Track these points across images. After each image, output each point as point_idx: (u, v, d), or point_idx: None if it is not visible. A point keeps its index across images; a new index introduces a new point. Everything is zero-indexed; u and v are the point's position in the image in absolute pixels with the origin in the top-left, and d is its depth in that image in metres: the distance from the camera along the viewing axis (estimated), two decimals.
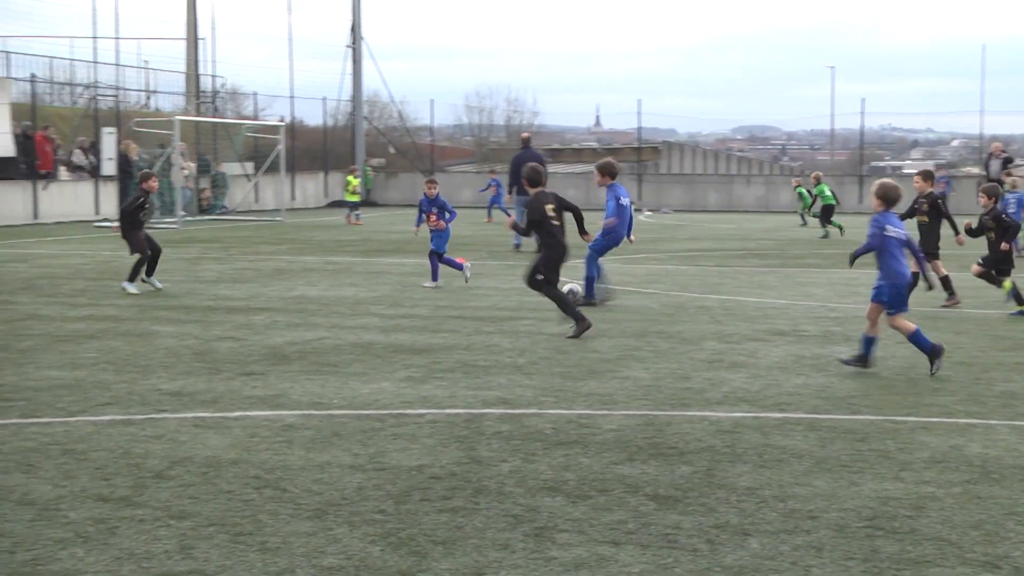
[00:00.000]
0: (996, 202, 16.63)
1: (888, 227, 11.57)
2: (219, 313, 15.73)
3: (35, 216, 36.11)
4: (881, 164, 75.39)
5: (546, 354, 12.63)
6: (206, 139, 46.34)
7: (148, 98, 49.37)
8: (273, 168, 43.87)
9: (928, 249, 16.39)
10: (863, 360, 11.67)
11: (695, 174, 62.39)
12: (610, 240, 16.66)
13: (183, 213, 37.37)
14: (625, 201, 16.79)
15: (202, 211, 42.43)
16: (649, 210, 48.53)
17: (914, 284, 12.52)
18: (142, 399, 10.18)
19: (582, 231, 15.06)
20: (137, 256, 17.95)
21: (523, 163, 19.29)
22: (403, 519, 6.90)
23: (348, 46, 53.36)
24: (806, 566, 6.16)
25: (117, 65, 42.32)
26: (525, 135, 31.74)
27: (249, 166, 46.69)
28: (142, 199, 18.38)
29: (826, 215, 33.70)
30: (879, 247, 11.57)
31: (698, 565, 6.18)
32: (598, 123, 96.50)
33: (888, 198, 11.71)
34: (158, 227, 34.65)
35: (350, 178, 38.97)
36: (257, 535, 6.58)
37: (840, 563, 6.20)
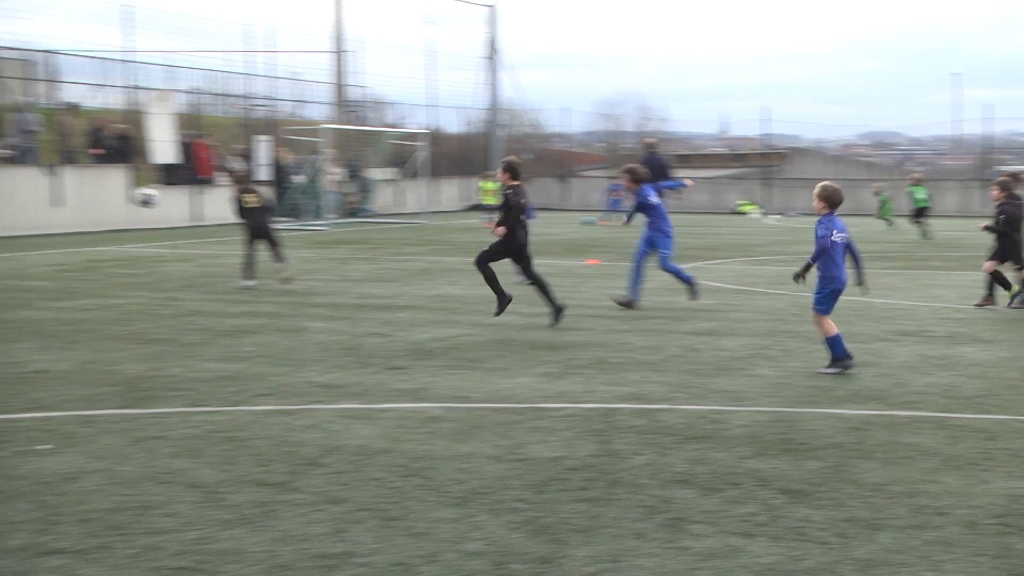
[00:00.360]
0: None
1: (834, 231, 11.18)
2: (366, 311, 15.90)
3: (196, 218, 36.89)
4: (1005, 168, 73.40)
5: (677, 351, 12.54)
6: (352, 146, 46.93)
7: (299, 108, 50.11)
8: (416, 173, 44.27)
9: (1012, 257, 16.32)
10: (841, 362, 11.32)
11: (820, 179, 61.39)
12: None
13: (331, 216, 37.88)
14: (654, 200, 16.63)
15: (349, 214, 42.97)
16: (775, 214, 47.96)
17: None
18: (297, 391, 10.33)
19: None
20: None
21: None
22: (542, 508, 6.90)
23: (486, 57, 53.69)
24: (936, 561, 6.02)
25: (270, 77, 42.98)
26: (649, 140, 31.55)
27: (392, 171, 47.18)
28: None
29: (918, 216, 33.45)
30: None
31: (829, 557, 6.08)
32: (725, 129, 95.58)
33: (831, 200, 11.30)
34: (308, 229, 35.20)
35: (486, 183, 39.14)
36: (405, 520, 6.64)
37: (971, 559, 6.05)
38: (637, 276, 16.44)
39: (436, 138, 50.84)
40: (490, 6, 54.04)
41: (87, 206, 33.17)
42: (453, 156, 53.02)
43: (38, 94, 36.76)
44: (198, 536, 6.31)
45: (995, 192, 16.55)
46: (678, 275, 16.70)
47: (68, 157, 33.49)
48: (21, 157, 32.14)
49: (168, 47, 59.09)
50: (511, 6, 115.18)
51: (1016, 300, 16.17)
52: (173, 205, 36.02)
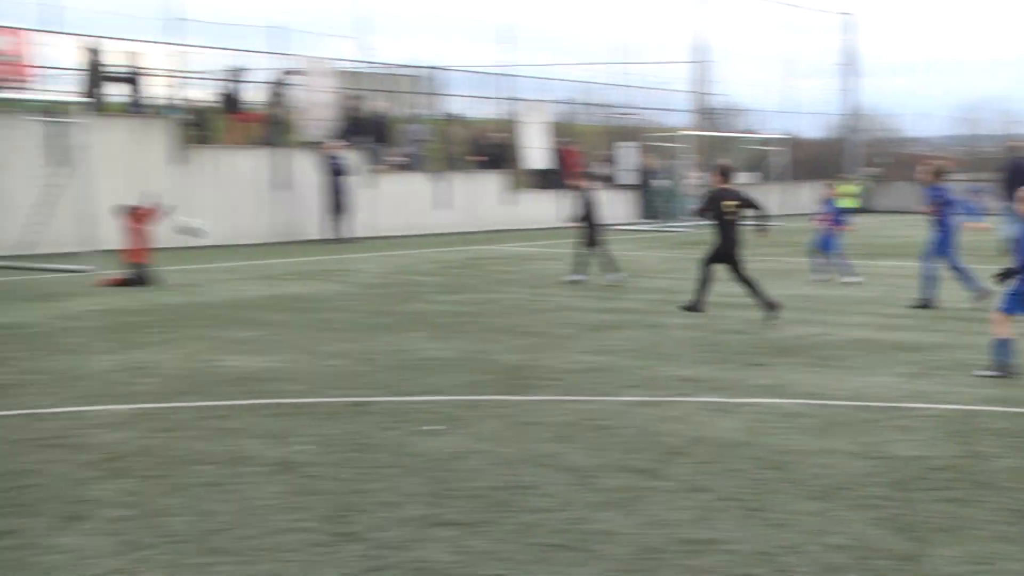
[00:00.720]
0: None
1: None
2: (726, 308, 15.79)
3: (564, 220, 37.69)
4: None
5: None
6: (712, 151, 46.70)
7: (660, 115, 50.35)
8: (775, 177, 43.69)
9: None
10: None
11: None
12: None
13: (692, 218, 37.87)
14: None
15: None
16: None
17: None
18: (662, 383, 10.39)
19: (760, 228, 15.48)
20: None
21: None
22: (904, 506, 6.68)
23: (843, 64, 52.45)
24: None
25: (636, 87, 43.38)
26: (1012, 143, 29.88)
27: (751, 176, 46.71)
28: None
29: None
30: None
31: None
32: None
33: None
34: (669, 231, 35.31)
35: (844, 186, 38.16)
36: (766, 512, 6.57)
37: None
38: (964, 275, 15.98)
39: (794, 143, 50.01)
40: (847, 14, 52.76)
41: (468, 208, 34.47)
42: (811, 161, 51.97)
43: (426, 107, 38.53)
44: (572, 516, 6.45)
45: None
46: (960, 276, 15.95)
47: (452, 164, 34.91)
48: (411, 164, 33.75)
49: (542, 61, 60.66)
50: (869, 14, 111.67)
51: None
52: (544, 207, 36.91)
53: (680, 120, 49.57)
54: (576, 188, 19.40)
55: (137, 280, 17.77)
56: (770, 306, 14.47)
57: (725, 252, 14.82)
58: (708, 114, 49.06)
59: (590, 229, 19.12)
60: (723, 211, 14.67)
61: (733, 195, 14.88)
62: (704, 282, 15.00)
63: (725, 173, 15.82)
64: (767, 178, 45.13)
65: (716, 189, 15.01)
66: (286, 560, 5.69)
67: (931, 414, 9.14)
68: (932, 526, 6.30)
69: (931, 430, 8.58)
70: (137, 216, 18.31)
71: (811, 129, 54.59)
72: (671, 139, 40.98)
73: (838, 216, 20.43)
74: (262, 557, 5.72)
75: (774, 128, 50.43)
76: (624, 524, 6.31)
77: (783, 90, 50.36)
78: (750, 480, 7.21)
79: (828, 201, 20.26)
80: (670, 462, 7.62)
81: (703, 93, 49.21)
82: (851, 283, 18.86)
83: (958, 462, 7.65)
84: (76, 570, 5.52)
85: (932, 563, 5.74)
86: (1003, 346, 10.55)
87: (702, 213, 15.15)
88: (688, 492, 6.93)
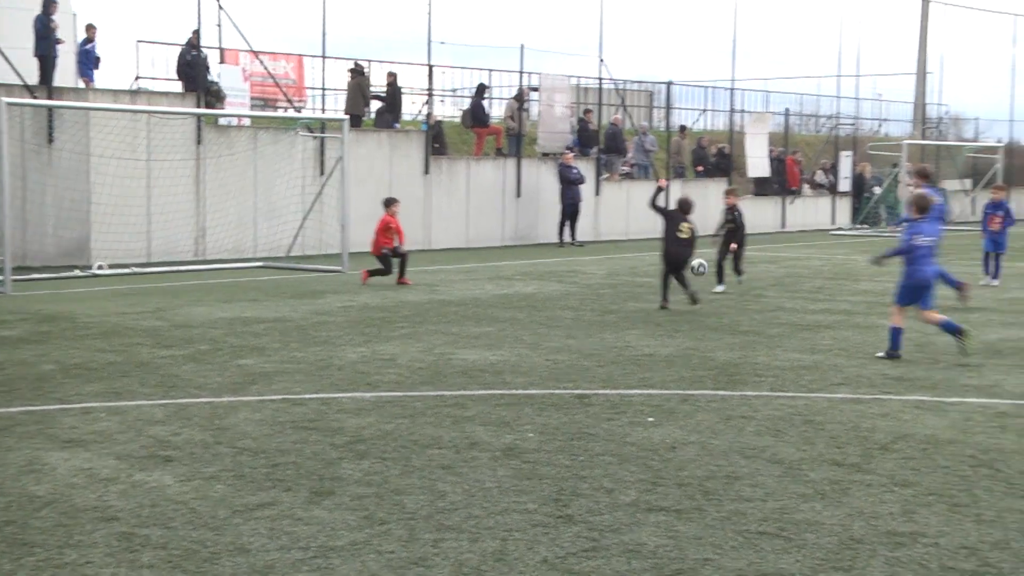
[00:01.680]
0: None
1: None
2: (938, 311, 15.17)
3: (783, 225, 36.94)
4: None
5: None
6: (930, 160, 45.03)
7: (880, 125, 48.81)
8: (990, 184, 41.79)
9: None
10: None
11: None
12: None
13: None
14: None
15: None
16: None
17: None
18: (870, 381, 10.06)
19: None
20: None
21: None
22: None
23: None
24: None
25: (856, 98, 42.16)
26: None
27: (967, 182, 44.90)
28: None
29: None
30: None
31: None
32: None
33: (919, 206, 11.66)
34: (885, 236, 34.16)
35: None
36: (973, 507, 6.28)
37: None
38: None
39: (1012, 150, 47.71)
40: None
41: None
42: None
43: (656, 119, 38.37)
44: (779, 506, 6.30)
45: None
46: None
47: (678, 172, 34.64)
48: (638, 172, 33.65)
49: (766, 74, 59.62)
50: None
51: None
52: (765, 214, 36.27)
53: (901, 129, 47.99)
54: (731, 203, 18.51)
55: (382, 270, 18.25)
56: None
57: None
58: (927, 123, 47.25)
59: (736, 241, 18.23)
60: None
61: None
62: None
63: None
64: (983, 184, 43.16)
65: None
66: (509, 539, 5.74)
67: None
68: None
69: None
70: (389, 213, 18.76)
71: None
72: (890, 148, 39.66)
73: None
74: (488, 535, 5.79)
75: (994, 136, 48.25)
76: (828, 515, 6.13)
77: (1005, 99, 48.06)
78: (957, 476, 6.92)
79: (999, 203, 19.13)
80: (875, 457, 7.37)
81: (923, 104, 47.42)
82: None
83: None
84: (323, 540, 5.71)
85: None
86: (896, 334, 11.31)
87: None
88: (893, 486, 6.69)
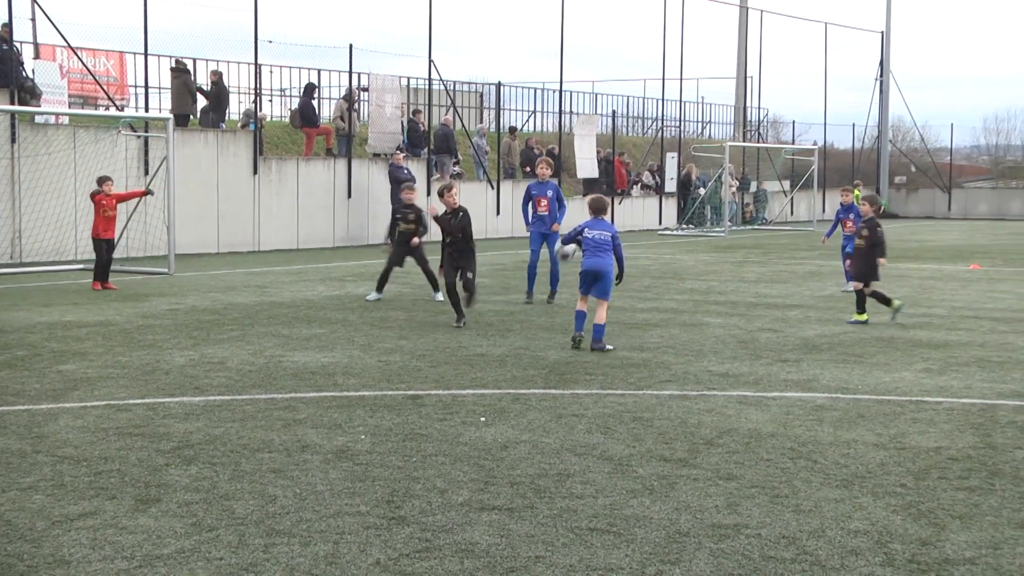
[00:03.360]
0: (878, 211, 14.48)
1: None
2: (760, 308, 15.69)
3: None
4: None
5: None
6: (750, 161, 46.48)
7: (704, 128, 50.13)
8: (807, 185, 43.40)
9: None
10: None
11: None
12: None
13: (730, 223, 37.68)
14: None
15: (745, 222, 42.65)
16: None
17: None
18: (696, 378, 10.32)
19: None
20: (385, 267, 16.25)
21: None
22: (922, 494, 6.58)
23: (876, 79, 52.00)
24: None
25: (680, 101, 43.20)
26: None
27: (786, 183, 46.47)
28: (395, 211, 16.82)
29: None
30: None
31: None
32: None
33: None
34: (709, 236, 35.10)
35: (856, 192, 37.69)
36: (792, 498, 6.49)
37: None
38: None
39: (827, 153, 49.61)
40: (881, 32, 52.24)
41: (519, 214, 34.37)
42: (843, 169, 51.58)
43: (486, 120, 38.59)
44: (609, 502, 6.40)
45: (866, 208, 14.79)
46: None
47: (508, 172, 34.89)
48: (466, 174, 33.80)
49: (594, 76, 60.58)
50: (903, 31, 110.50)
51: None
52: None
53: (723, 132, 49.37)
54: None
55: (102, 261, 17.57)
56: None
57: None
58: (748, 127, 48.72)
59: None
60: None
61: None
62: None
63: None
64: (800, 185, 44.77)
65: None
66: (342, 541, 5.69)
67: (951, 407, 9.02)
68: (949, 513, 6.21)
69: (950, 422, 8.46)
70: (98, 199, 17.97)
71: (846, 140, 54.20)
72: (713, 150, 40.77)
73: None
74: (320, 538, 5.72)
75: (810, 139, 50.05)
76: (656, 509, 6.26)
77: (820, 104, 49.90)
78: (777, 469, 7.14)
79: (850, 206, 19.13)
80: (701, 452, 7.56)
81: (745, 107, 48.87)
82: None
83: (976, 453, 7.53)
84: (149, 548, 5.55)
85: (946, 548, 5.65)
86: (579, 316, 11.99)
87: None
88: (718, 480, 6.86)
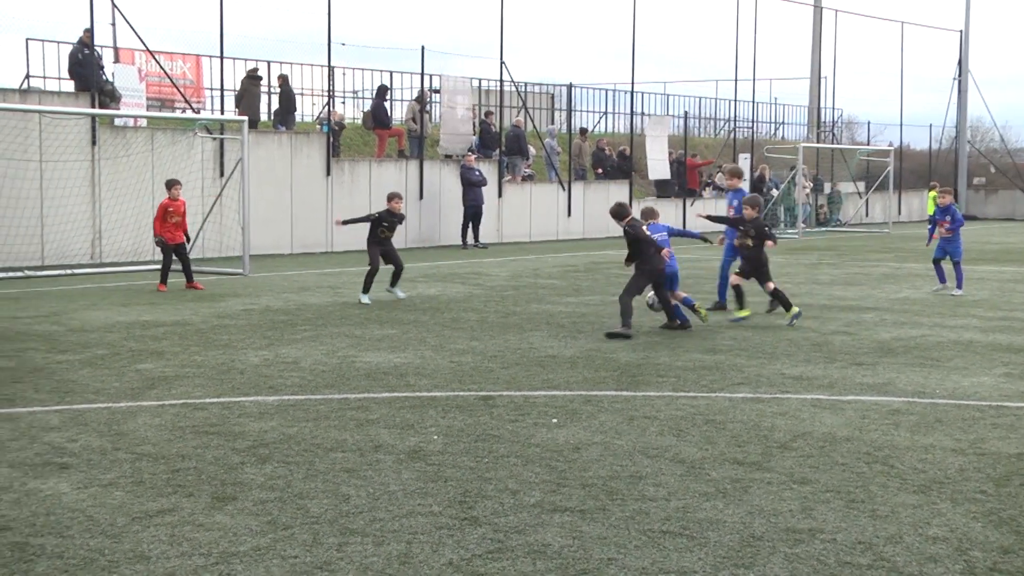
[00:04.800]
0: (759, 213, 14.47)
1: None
2: (834, 311, 15.51)
3: (684, 227, 37.43)
4: None
5: None
6: (824, 163, 45.99)
7: (777, 129, 49.70)
8: (883, 187, 42.82)
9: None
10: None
11: None
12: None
13: (803, 225, 37.29)
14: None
15: (819, 223, 42.21)
16: None
17: None
18: (769, 381, 10.23)
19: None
20: (368, 269, 16.31)
21: None
22: (1003, 501, 6.46)
23: (955, 78, 51.18)
24: None
25: (753, 102, 42.86)
26: None
27: (861, 185, 45.93)
28: (382, 217, 16.43)
29: None
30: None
31: None
32: None
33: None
34: (782, 237, 34.80)
35: (932, 194, 37.13)
36: (868, 503, 6.41)
37: None
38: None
39: (903, 154, 48.91)
40: (960, 31, 51.40)
41: (591, 216, 34.36)
42: (919, 171, 50.85)
43: (557, 122, 38.59)
44: (682, 505, 6.37)
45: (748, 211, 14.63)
46: None
47: (579, 174, 34.87)
48: (538, 175, 33.81)
49: (664, 78, 60.32)
50: (982, 29, 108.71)
51: None
52: (667, 216, 36.70)
53: (797, 133, 48.91)
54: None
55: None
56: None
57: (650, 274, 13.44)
58: (822, 127, 48.22)
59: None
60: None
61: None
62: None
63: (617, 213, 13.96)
64: (876, 187, 44.20)
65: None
66: (414, 541, 5.72)
67: None
68: None
69: None
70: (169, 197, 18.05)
71: (922, 141, 53.42)
72: (787, 151, 40.42)
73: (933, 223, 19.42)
74: (393, 538, 5.76)
75: (886, 140, 49.41)
76: (730, 513, 6.21)
77: (896, 105, 49.27)
78: (853, 473, 7.05)
79: (947, 207, 18.44)
80: (775, 455, 7.49)
81: (819, 108, 48.38)
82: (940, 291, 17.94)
83: None
84: (225, 546, 5.63)
85: None
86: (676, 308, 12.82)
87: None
88: (792, 484, 6.80)
